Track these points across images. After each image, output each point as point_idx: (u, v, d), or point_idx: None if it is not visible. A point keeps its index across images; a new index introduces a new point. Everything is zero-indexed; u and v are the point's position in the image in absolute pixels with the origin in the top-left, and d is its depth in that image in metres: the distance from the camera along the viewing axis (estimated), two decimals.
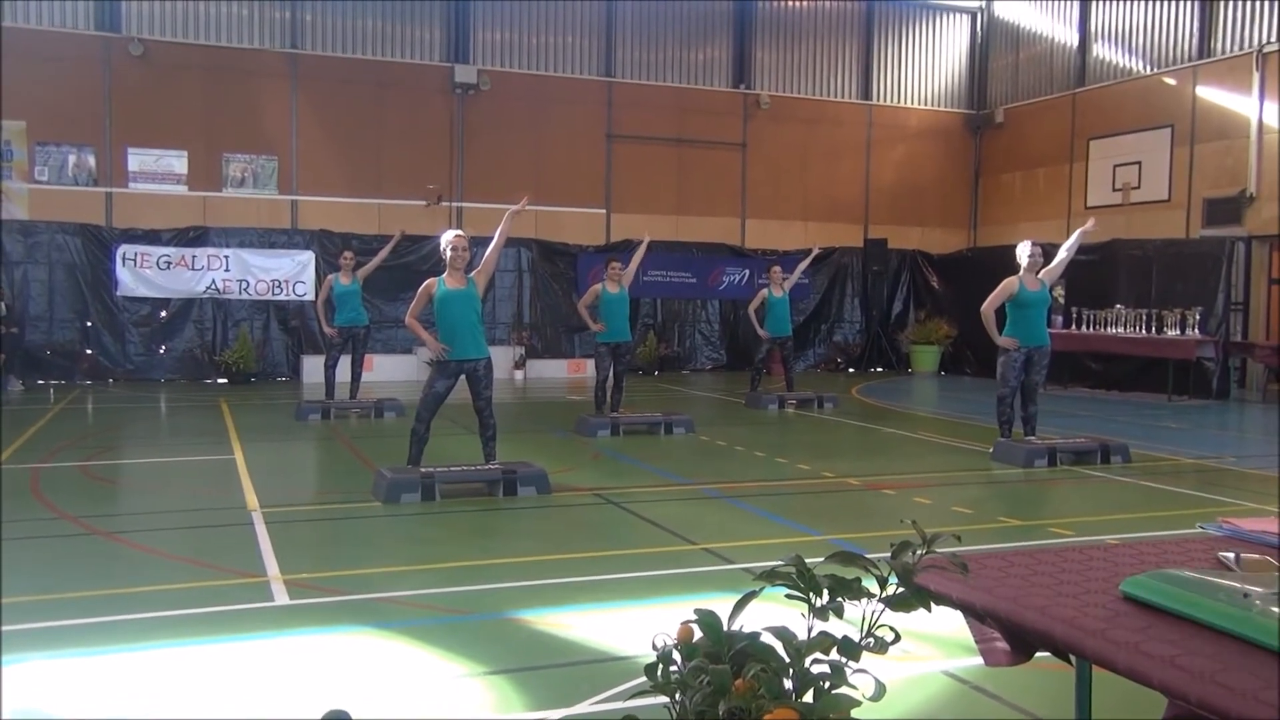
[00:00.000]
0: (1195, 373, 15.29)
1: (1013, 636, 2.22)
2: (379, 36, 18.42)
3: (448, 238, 7.65)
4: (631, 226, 19.60)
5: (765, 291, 13.63)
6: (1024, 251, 9.35)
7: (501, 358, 17.97)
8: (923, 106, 22.08)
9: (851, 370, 20.74)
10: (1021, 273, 9.31)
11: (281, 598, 4.94)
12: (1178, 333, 15.20)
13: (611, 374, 11.32)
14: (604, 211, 19.66)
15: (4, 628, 4.37)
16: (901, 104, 21.91)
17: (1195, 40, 17.57)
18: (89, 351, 16.39)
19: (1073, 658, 2.17)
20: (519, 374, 17.84)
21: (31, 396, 14.20)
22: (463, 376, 7.65)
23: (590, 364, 18.70)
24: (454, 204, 18.47)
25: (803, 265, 14.18)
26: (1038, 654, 2.26)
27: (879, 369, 20.88)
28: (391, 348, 17.53)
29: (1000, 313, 9.34)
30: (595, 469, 8.95)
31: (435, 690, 3.78)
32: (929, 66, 22.15)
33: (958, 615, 2.38)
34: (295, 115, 17.74)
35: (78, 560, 5.67)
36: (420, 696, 3.71)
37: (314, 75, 17.84)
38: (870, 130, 21.56)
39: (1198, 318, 15.12)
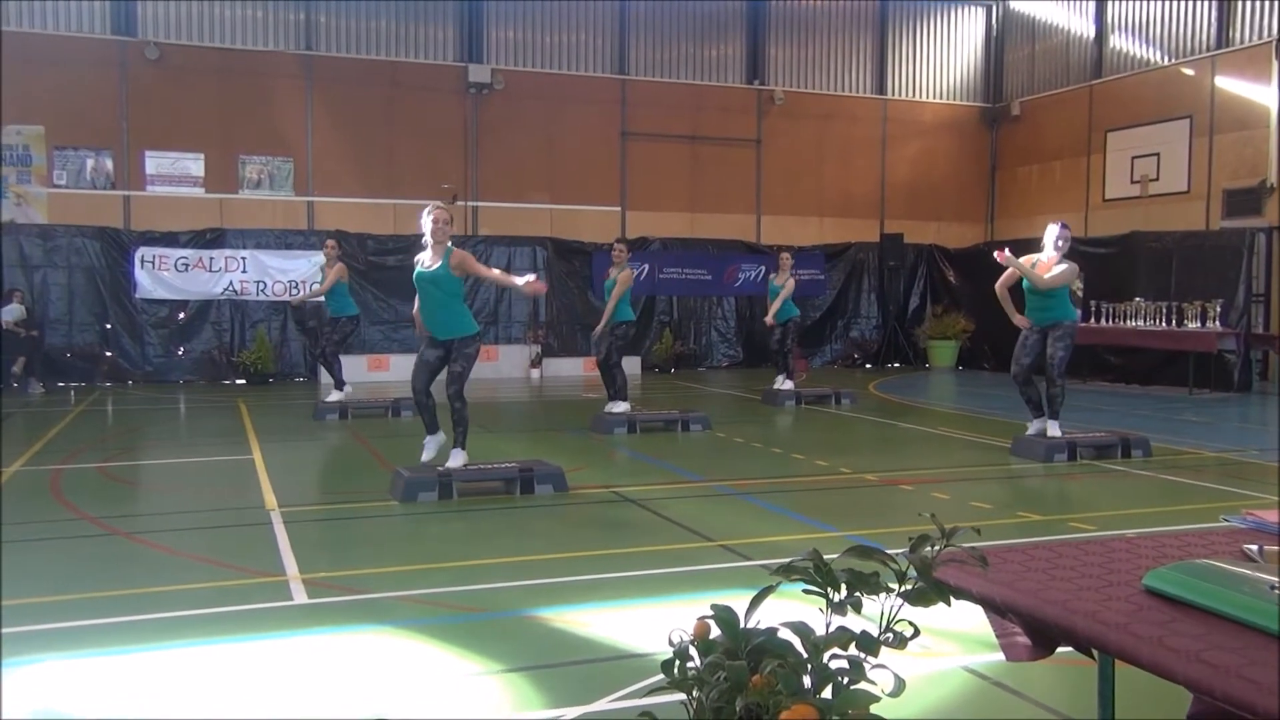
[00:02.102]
0: (1216, 365, 15.14)
1: (1034, 631, 2.19)
2: (393, 37, 18.47)
3: (429, 212, 7.40)
4: (646, 224, 19.60)
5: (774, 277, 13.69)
6: (1053, 234, 8.99)
7: (518, 356, 18.01)
8: (938, 100, 21.97)
9: (868, 366, 20.67)
10: (1046, 254, 9.04)
11: (300, 597, 4.95)
12: (1198, 325, 15.06)
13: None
14: (619, 209, 19.65)
15: (25, 628, 4.40)
16: (917, 98, 21.81)
17: (1213, 30, 17.42)
18: (108, 354, 16.51)
19: (1095, 652, 2.15)
20: (535, 372, 17.86)
21: (52, 399, 14.31)
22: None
23: None
24: (469, 203, 18.49)
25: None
26: (1059, 649, 2.23)
27: (896, 364, 20.80)
28: (407, 347, 17.56)
29: (1018, 294, 9.18)
30: (612, 467, 8.94)
31: (453, 688, 3.78)
32: (944, 60, 22.04)
33: (977, 611, 2.36)
34: (310, 116, 17.81)
35: (98, 560, 5.70)
36: (438, 695, 3.71)
37: (328, 76, 17.90)
38: (885, 125, 21.47)
39: (1218, 310, 14.98)
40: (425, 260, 7.46)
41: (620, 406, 10.99)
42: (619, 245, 11.32)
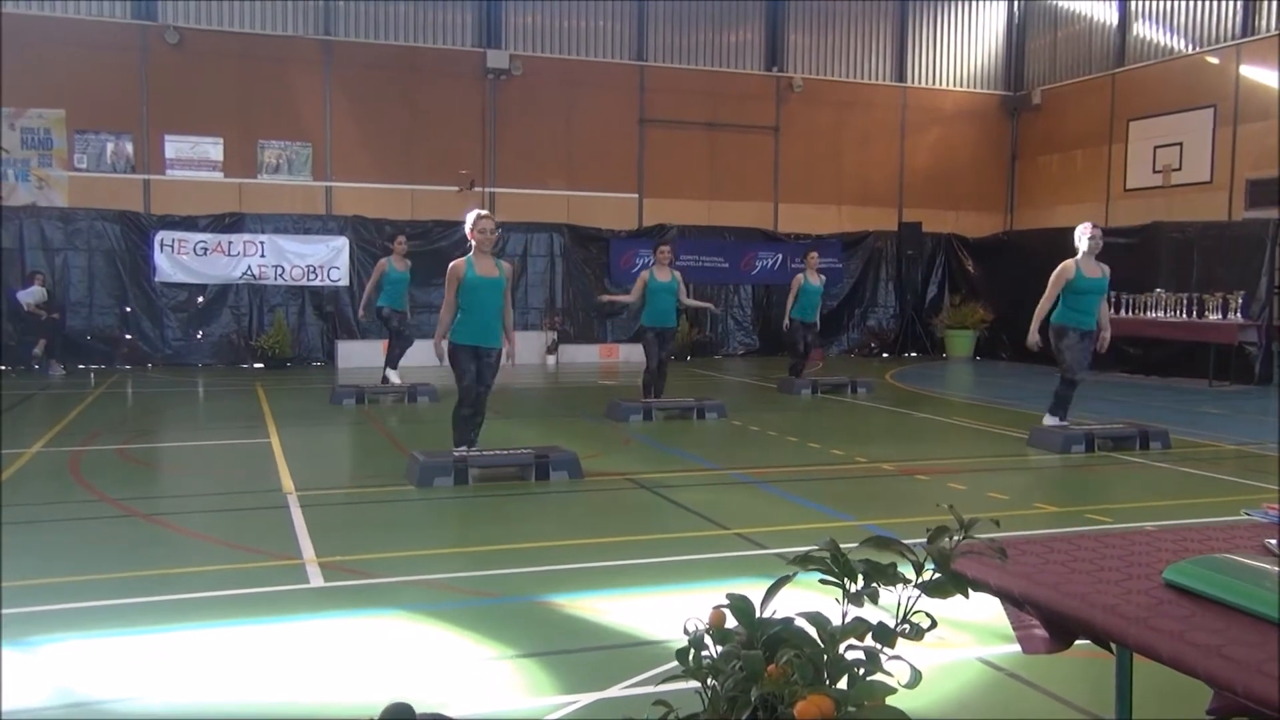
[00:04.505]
0: (1237, 357, 15.01)
1: (1052, 624, 2.18)
2: (411, 22, 18.44)
3: (474, 220, 7.51)
4: (664, 211, 19.55)
5: (801, 277, 13.57)
6: (1083, 234, 8.96)
7: (534, 343, 17.99)
8: (958, 88, 21.79)
9: (885, 355, 20.58)
10: (1080, 256, 8.99)
11: (316, 580, 4.97)
12: (1219, 317, 14.93)
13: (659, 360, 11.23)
14: (636, 196, 19.60)
15: (44, 607, 4.44)
16: (936, 86, 21.63)
17: (1239, 18, 17.20)
18: (128, 337, 16.61)
19: (1114, 646, 2.13)
20: (551, 359, 17.86)
21: (72, 381, 14.41)
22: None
23: (622, 349, 18.77)
24: (486, 189, 18.49)
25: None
26: (1076, 641, 2.22)
27: (913, 354, 20.70)
28: (424, 333, 17.52)
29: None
30: (627, 454, 8.94)
31: (467, 673, 3.79)
32: (965, 47, 21.85)
33: (992, 601, 2.34)
34: (329, 102, 17.82)
35: (116, 541, 5.75)
36: (452, 679, 3.72)
37: (347, 62, 17.90)
38: (904, 113, 21.32)
39: (1240, 301, 14.84)
40: (479, 268, 7.46)
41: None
42: (666, 248, 11.33)
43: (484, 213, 7.70)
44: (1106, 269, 9.14)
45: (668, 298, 11.05)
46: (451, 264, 7.52)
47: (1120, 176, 19.16)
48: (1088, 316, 9.05)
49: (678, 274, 11.22)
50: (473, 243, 7.51)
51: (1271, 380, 15.12)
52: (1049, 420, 9.37)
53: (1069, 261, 9.00)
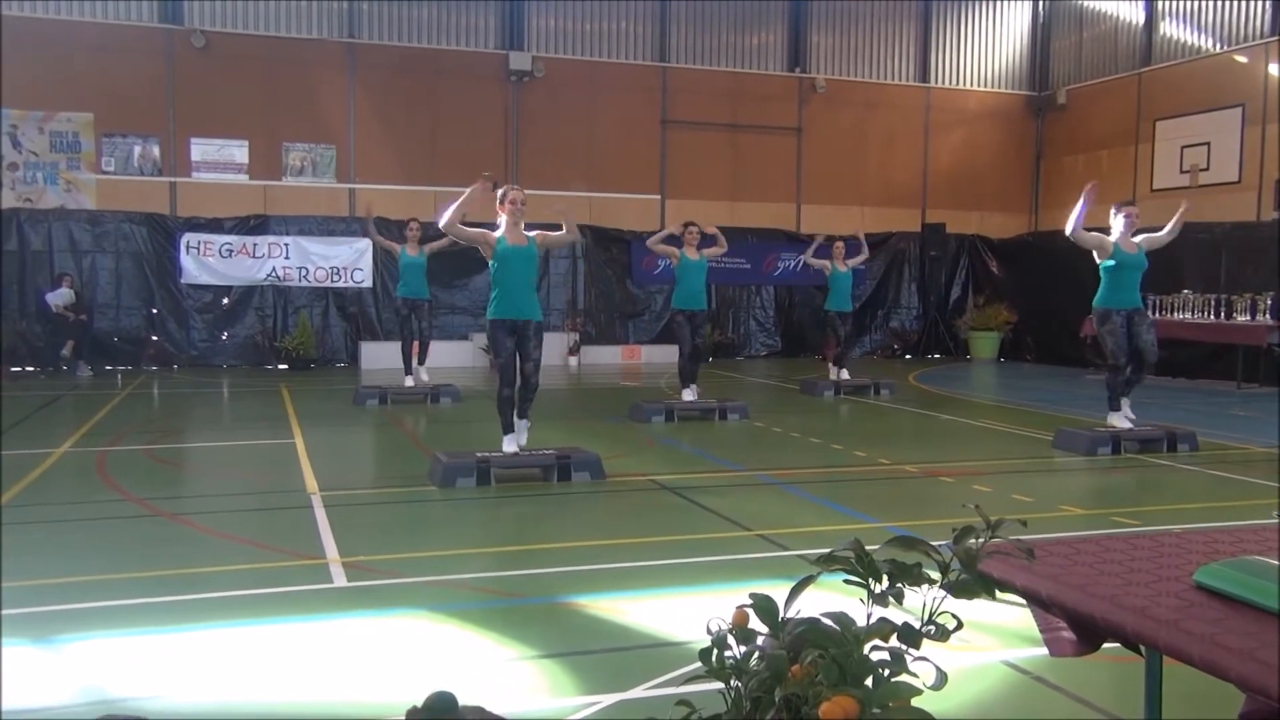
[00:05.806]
0: (1266, 359, 14.84)
1: (1079, 626, 2.15)
2: (434, 25, 18.52)
3: (503, 192, 7.56)
4: (686, 212, 19.42)
5: (829, 264, 13.59)
6: (1116, 214, 9.07)
7: (556, 344, 18.00)
8: (982, 88, 21.65)
9: (908, 357, 20.48)
10: (1118, 235, 8.99)
11: (340, 580, 4.99)
12: (1248, 318, 14.77)
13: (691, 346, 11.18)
14: (658, 198, 19.60)
15: (71, 605, 4.48)
16: (960, 86, 21.50)
17: (1267, 16, 17.00)
18: (154, 338, 16.75)
19: (1142, 649, 2.10)
20: (573, 360, 17.88)
21: (100, 382, 14.55)
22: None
23: (644, 350, 18.77)
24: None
25: (859, 259, 14.32)
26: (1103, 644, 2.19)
27: (936, 356, 20.58)
28: (447, 334, 17.63)
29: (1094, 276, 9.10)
30: (649, 455, 8.94)
31: (489, 673, 3.79)
32: (989, 47, 21.71)
33: (1018, 604, 2.32)
34: (353, 104, 17.92)
35: (142, 541, 5.79)
36: (474, 679, 3.72)
37: (371, 64, 18.00)
38: (928, 113, 21.20)
39: (1269, 303, 14.67)
40: (510, 238, 7.52)
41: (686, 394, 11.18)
42: (694, 227, 11.30)
43: (515, 186, 7.79)
44: (1143, 242, 9.19)
45: (699, 276, 11.08)
46: (485, 230, 7.65)
47: (1147, 177, 18.97)
48: (1129, 294, 8.99)
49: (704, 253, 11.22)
50: (503, 217, 7.54)
51: None
52: (1112, 419, 9.21)
53: (1107, 239, 9.01)
